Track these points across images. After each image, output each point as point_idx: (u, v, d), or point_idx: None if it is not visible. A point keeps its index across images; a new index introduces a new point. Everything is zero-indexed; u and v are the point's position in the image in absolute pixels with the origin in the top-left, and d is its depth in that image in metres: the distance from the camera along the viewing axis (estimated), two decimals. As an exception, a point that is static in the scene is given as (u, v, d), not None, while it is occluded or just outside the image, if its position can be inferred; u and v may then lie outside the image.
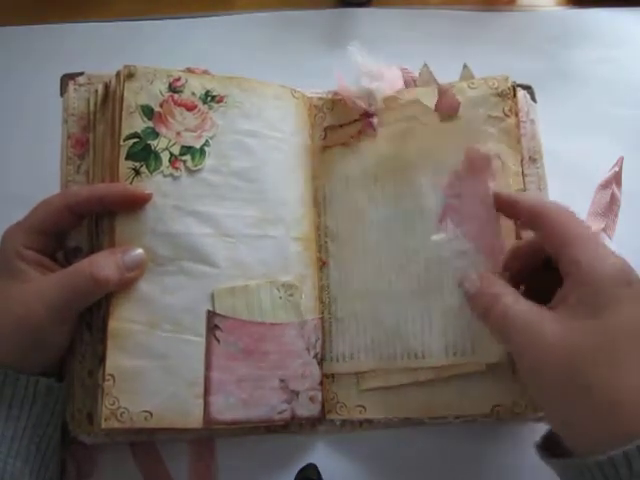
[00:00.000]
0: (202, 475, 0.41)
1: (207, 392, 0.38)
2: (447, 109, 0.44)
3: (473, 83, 0.45)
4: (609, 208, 0.50)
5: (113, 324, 0.37)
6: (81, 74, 0.44)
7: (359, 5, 0.60)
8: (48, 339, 0.37)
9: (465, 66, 0.47)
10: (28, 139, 0.53)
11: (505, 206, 0.38)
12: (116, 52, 0.57)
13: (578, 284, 0.32)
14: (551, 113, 0.54)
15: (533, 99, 0.48)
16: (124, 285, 0.37)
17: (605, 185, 0.50)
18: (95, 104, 0.42)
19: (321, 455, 0.41)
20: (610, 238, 0.49)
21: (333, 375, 0.42)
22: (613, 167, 0.51)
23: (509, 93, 0.43)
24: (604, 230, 0.49)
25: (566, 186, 0.50)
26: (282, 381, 0.40)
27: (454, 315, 0.40)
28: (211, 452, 0.42)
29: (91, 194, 0.38)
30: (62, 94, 0.44)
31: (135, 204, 0.38)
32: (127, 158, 0.39)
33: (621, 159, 0.51)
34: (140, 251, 0.38)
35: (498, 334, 0.34)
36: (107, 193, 0.38)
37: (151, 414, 0.36)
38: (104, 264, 0.37)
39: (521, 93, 0.46)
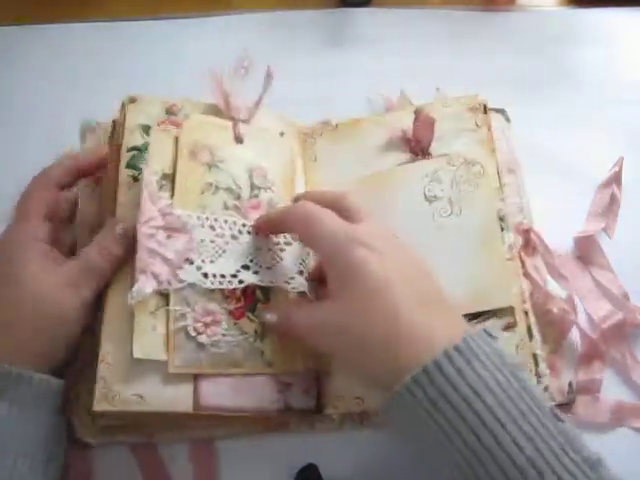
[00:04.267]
0: (203, 477, 0.41)
1: (197, 377, 0.39)
2: (423, 127, 0.48)
3: (447, 102, 0.50)
4: (609, 208, 0.50)
5: (108, 310, 0.39)
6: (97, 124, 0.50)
7: (359, 5, 0.60)
8: (75, 336, 0.39)
9: (437, 89, 0.53)
10: (31, 136, 0.53)
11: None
12: (114, 52, 0.58)
13: (329, 269, 0.37)
14: (550, 112, 0.54)
15: (507, 120, 0.52)
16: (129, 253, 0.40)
17: (605, 185, 0.51)
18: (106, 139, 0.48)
19: (321, 455, 0.41)
20: (610, 238, 0.49)
21: (329, 370, 0.42)
22: (613, 167, 0.51)
23: (479, 108, 0.49)
24: (604, 230, 0.49)
25: (565, 185, 0.51)
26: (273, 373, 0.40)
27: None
28: (211, 454, 0.42)
29: (69, 166, 0.44)
30: (81, 142, 0.50)
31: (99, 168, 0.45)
32: (127, 167, 0.43)
33: (621, 159, 0.51)
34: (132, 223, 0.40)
35: (307, 341, 0.39)
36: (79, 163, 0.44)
37: (142, 397, 0.37)
38: (109, 243, 0.39)
39: (496, 115, 0.51)
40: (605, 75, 0.57)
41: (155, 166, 0.42)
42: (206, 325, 0.39)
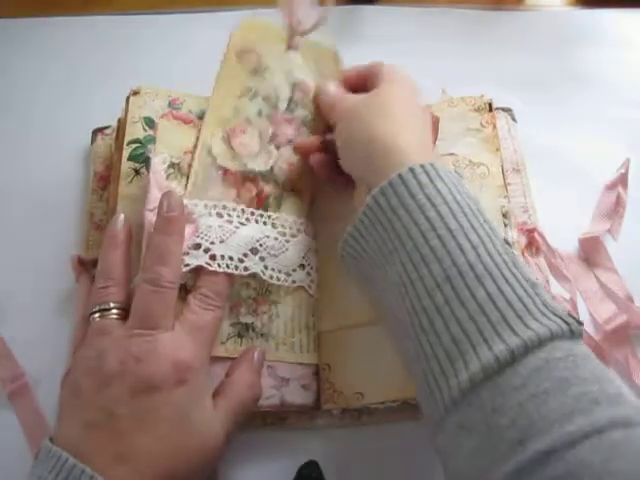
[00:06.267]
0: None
1: None
2: None
3: (452, 102, 0.50)
4: (614, 210, 0.50)
5: None
6: (108, 127, 0.51)
7: (366, 2, 0.60)
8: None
9: (443, 91, 0.53)
10: (37, 131, 0.53)
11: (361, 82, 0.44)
12: (120, 46, 0.58)
13: (375, 77, 0.42)
14: (557, 113, 0.54)
15: (513, 119, 0.52)
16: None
17: (611, 186, 0.50)
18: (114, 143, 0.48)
19: (322, 452, 0.41)
20: (615, 239, 0.49)
21: (329, 365, 0.42)
22: (619, 169, 0.51)
23: (485, 108, 0.49)
24: (609, 231, 0.49)
25: (571, 186, 0.51)
26: (269, 367, 0.40)
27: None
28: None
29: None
30: (92, 143, 0.51)
31: None
32: (129, 159, 0.43)
33: (627, 161, 0.51)
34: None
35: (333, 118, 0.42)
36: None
37: None
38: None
39: (502, 114, 0.52)
40: (613, 76, 0.56)
41: (163, 155, 0.42)
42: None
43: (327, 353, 0.43)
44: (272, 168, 0.44)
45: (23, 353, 0.44)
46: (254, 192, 0.43)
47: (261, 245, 0.41)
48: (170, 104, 0.46)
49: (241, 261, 0.40)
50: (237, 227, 0.41)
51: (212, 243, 0.39)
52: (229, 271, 0.39)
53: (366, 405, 0.42)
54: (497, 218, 0.44)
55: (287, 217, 0.43)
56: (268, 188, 0.44)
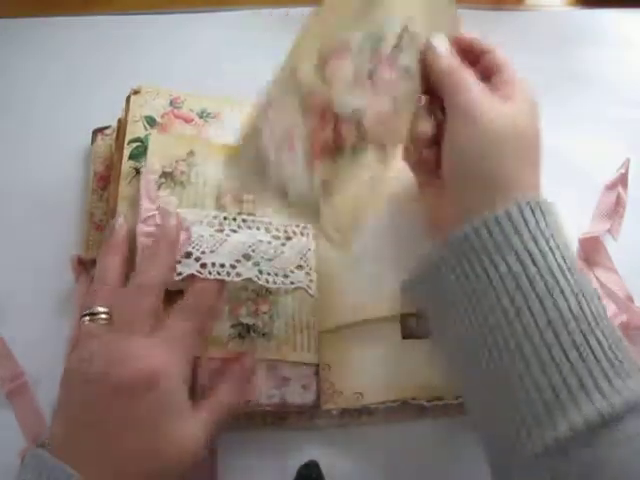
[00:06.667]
0: (203, 473, 0.41)
1: (194, 370, 0.38)
2: None
3: None
4: (614, 210, 0.50)
5: None
6: (108, 127, 0.51)
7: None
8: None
9: None
10: (37, 130, 0.53)
11: (469, 51, 0.40)
12: (120, 46, 0.58)
13: (506, 80, 0.38)
14: (558, 113, 0.54)
15: None
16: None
17: (611, 186, 0.50)
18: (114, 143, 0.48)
19: (322, 452, 0.41)
20: (615, 239, 0.49)
21: (329, 365, 0.42)
22: (619, 169, 0.51)
23: None
24: (609, 231, 0.49)
25: (571, 186, 0.50)
26: (271, 367, 0.41)
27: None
28: (212, 450, 0.42)
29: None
30: (92, 143, 0.51)
31: None
32: (130, 158, 0.43)
33: (627, 161, 0.51)
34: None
35: (447, 92, 0.37)
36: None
37: None
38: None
39: None
40: (613, 76, 0.56)
41: (155, 165, 0.42)
42: (278, 145, 0.36)
43: (327, 353, 0.43)
44: (359, 109, 0.37)
45: (23, 353, 0.44)
46: (329, 132, 0.37)
47: (254, 250, 0.41)
48: (171, 103, 0.46)
49: (233, 267, 0.40)
50: (228, 235, 0.41)
51: (203, 252, 0.40)
52: (220, 277, 0.39)
53: (366, 405, 0.42)
54: None
55: (281, 221, 0.43)
56: (349, 133, 0.37)
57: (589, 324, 0.31)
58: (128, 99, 0.46)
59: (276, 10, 0.60)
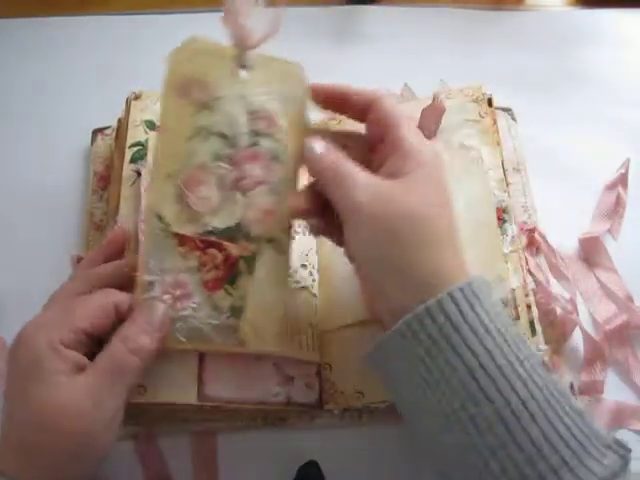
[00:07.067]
0: (204, 473, 0.41)
1: (202, 369, 0.38)
2: (432, 113, 0.46)
3: (450, 94, 0.49)
4: (614, 210, 0.50)
5: None
6: (108, 128, 0.51)
7: (367, 2, 0.60)
8: (97, 448, 0.34)
9: (441, 80, 0.52)
10: (37, 131, 0.53)
11: (338, 99, 0.37)
12: (121, 46, 0.58)
13: (403, 157, 0.34)
14: (556, 112, 0.54)
15: (513, 119, 0.52)
16: (160, 344, 0.36)
17: (611, 186, 0.50)
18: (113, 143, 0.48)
19: (322, 452, 0.41)
20: (615, 239, 0.49)
21: (330, 365, 0.42)
22: (619, 168, 0.51)
23: (483, 99, 0.48)
24: (609, 231, 0.49)
25: (571, 186, 0.51)
26: (275, 365, 0.40)
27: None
28: (212, 450, 0.42)
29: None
30: (92, 144, 0.51)
31: None
32: (131, 162, 0.44)
33: (627, 160, 0.51)
34: (161, 307, 0.36)
35: (338, 194, 0.34)
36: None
37: (145, 389, 0.37)
38: (135, 335, 0.35)
39: (502, 113, 0.51)
40: (612, 76, 0.56)
41: None
42: (175, 299, 0.36)
43: (328, 353, 0.43)
44: (240, 222, 0.37)
45: (23, 353, 0.44)
46: (219, 258, 0.36)
47: None
48: None
49: None
50: None
51: None
52: None
53: (367, 404, 0.42)
54: (489, 208, 0.43)
55: None
56: (236, 250, 0.37)
57: (543, 412, 0.30)
58: (128, 101, 0.46)
59: (281, 9, 0.60)
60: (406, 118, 0.36)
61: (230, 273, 0.36)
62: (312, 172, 0.36)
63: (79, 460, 0.33)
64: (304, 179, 0.38)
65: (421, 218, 0.33)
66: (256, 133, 0.37)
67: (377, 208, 0.33)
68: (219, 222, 0.36)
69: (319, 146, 0.35)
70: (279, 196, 0.37)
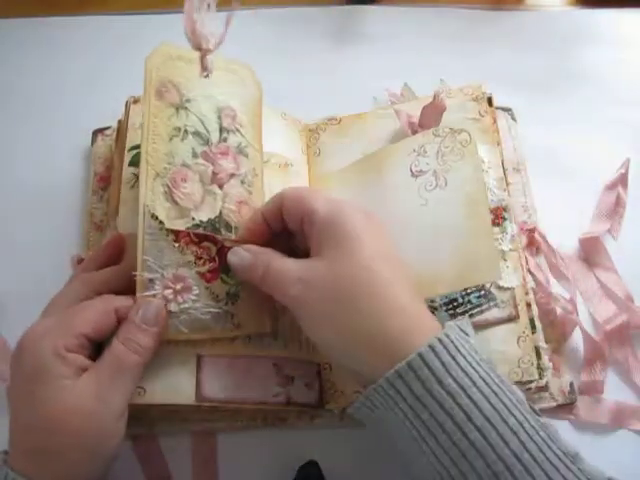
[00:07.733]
0: (204, 473, 0.41)
1: (199, 370, 0.38)
2: (432, 111, 0.46)
3: (450, 93, 0.48)
4: (614, 210, 0.50)
5: None
6: (108, 128, 0.51)
7: (367, 2, 0.60)
8: (108, 446, 0.34)
9: (441, 80, 0.52)
10: (37, 127, 0.53)
11: (266, 231, 0.39)
12: (120, 46, 0.58)
13: (324, 231, 0.35)
14: (556, 112, 0.54)
15: (513, 119, 0.52)
16: (159, 338, 0.36)
17: (611, 186, 0.50)
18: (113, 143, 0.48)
19: (322, 452, 0.41)
20: (615, 239, 0.49)
21: (330, 365, 0.42)
22: (619, 168, 0.51)
23: (483, 97, 0.47)
24: (609, 231, 0.49)
25: (571, 186, 0.51)
26: (275, 365, 0.40)
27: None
28: (212, 450, 0.42)
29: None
30: (92, 144, 0.51)
31: None
32: (130, 165, 0.44)
33: (627, 160, 0.51)
34: (154, 303, 0.36)
35: (275, 294, 0.36)
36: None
37: (144, 390, 0.37)
38: (132, 334, 0.35)
39: (502, 113, 0.51)
40: (612, 76, 0.56)
41: None
42: (176, 292, 0.37)
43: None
44: (221, 213, 0.39)
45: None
46: (214, 250, 0.39)
47: None
48: None
49: None
50: None
51: None
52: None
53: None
54: (480, 192, 0.41)
55: None
56: (229, 241, 0.39)
57: (536, 462, 0.30)
58: (127, 104, 0.46)
59: (276, 10, 0.60)
60: (312, 191, 0.38)
61: (225, 263, 0.38)
62: (242, 279, 0.38)
63: (92, 459, 0.34)
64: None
65: (353, 286, 0.33)
66: (225, 129, 0.40)
67: (310, 296, 0.34)
68: (203, 215, 0.38)
69: (240, 257, 0.37)
70: (250, 187, 0.40)
